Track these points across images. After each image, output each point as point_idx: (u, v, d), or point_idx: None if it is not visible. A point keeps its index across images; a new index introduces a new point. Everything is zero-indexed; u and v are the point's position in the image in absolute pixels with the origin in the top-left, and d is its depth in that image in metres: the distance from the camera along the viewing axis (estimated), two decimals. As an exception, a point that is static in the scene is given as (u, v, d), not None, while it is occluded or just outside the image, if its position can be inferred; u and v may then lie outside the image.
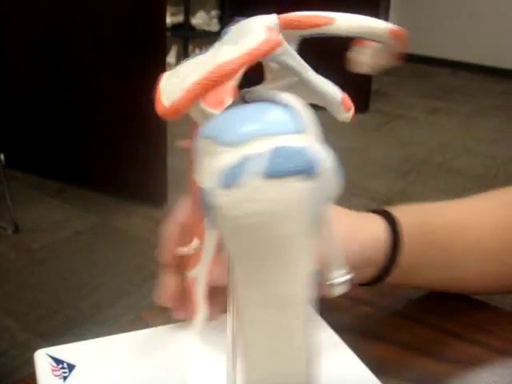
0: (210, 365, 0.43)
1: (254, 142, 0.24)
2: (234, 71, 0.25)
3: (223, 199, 0.23)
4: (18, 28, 2.31)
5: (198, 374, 0.42)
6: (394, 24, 0.30)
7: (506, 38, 4.09)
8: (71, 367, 0.41)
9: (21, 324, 1.64)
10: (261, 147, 0.23)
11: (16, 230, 2.08)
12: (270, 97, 0.26)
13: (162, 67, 2.02)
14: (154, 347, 0.44)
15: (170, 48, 3.58)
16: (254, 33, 0.26)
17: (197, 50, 3.46)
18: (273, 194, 0.23)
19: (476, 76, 4.12)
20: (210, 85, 0.25)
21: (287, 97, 0.25)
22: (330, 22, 0.29)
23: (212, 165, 0.24)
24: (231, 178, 0.23)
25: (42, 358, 0.42)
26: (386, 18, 4.37)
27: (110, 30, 2.13)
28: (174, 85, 0.26)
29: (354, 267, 0.44)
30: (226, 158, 0.24)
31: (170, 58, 3.53)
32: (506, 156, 2.90)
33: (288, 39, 0.28)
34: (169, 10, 2.66)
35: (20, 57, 2.38)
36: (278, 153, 0.23)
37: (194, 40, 3.67)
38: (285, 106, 0.25)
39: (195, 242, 0.37)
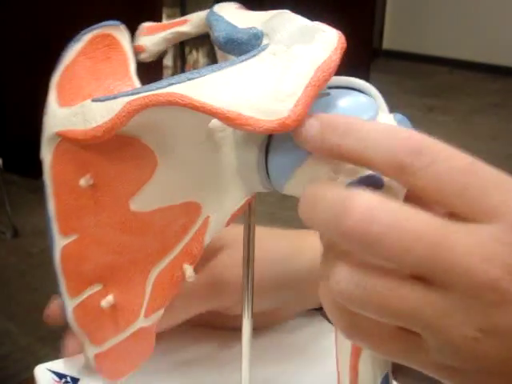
0: (217, 371, 0.42)
1: None
2: (335, 68, 0.26)
3: None
4: (15, 30, 2.31)
5: (204, 381, 0.42)
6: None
7: (503, 35, 4.09)
8: (75, 381, 0.40)
9: (21, 328, 1.64)
10: None
11: (15, 234, 2.07)
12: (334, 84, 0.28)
13: (158, 69, 2.02)
14: (158, 355, 0.44)
15: (167, 50, 3.56)
16: (320, 29, 0.27)
17: (193, 52, 3.44)
18: None
19: (473, 74, 4.12)
20: (321, 84, 0.26)
21: (359, 81, 0.28)
22: None
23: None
24: None
25: (44, 374, 0.41)
26: (383, 17, 4.36)
27: (106, 33, 2.13)
28: (259, 96, 0.26)
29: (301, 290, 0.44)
30: None
31: (167, 60, 3.51)
32: (505, 153, 2.89)
33: None
34: (165, 11, 2.65)
35: (17, 59, 2.37)
36: None
37: (191, 42, 3.65)
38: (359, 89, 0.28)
39: (190, 271, 0.34)
